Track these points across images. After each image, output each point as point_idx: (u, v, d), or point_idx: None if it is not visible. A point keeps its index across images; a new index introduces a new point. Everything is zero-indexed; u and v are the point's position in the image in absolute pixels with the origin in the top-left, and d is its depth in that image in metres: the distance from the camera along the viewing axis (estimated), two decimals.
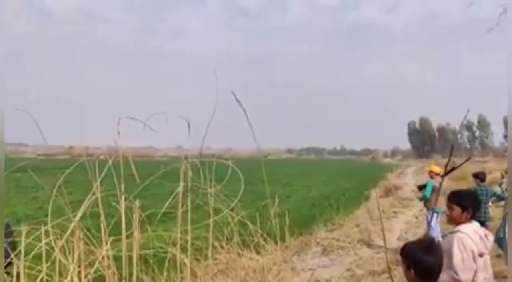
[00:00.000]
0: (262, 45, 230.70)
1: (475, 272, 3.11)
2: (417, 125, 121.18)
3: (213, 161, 4.08)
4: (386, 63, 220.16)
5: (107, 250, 3.50)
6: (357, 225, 11.96)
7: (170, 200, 3.89)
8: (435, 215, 9.11)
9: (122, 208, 3.53)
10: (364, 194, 20.43)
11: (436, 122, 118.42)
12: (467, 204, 3.19)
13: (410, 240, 3.22)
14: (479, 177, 8.24)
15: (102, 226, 3.58)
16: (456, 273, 3.00)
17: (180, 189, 3.81)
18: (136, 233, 3.64)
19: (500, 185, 7.06)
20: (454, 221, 3.26)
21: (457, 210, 3.21)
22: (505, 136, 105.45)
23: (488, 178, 10.45)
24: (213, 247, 5.54)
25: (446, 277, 3.00)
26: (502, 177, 7.17)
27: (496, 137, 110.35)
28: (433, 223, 9.08)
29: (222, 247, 5.41)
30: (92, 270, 3.49)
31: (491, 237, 3.29)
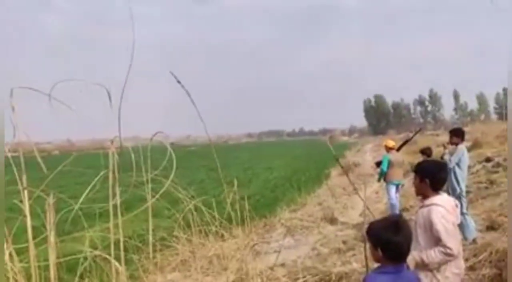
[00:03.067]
0: (219, 31, 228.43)
1: None
2: (373, 103, 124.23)
3: (148, 145, 3.69)
4: (342, 43, 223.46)
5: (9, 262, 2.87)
6: (320, 204, 12.04)
7: (86, 192, 3.30)
8: (393, 187, 9.33)
9: (26, 207, 2.84)
10: (324, 173, 20.68)
11: (390, 98, 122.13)
12: (423, 175, 3.19)
13: (375, 218, 3.13)
14: (426, 152, 8.74)
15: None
16: (448, 248, 2.93)
17: (115, 176, 3.30)
18: (52, 238, 2.98)
19: (441, 157, 7.16)
20: (417, 191, 3.30)
21: (416, 180, 3.24)
22: (455, 109, 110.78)
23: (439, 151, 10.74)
24: (175, 237, 5.30)
25: (437, 255, 2.93)
26: (444, 147, 7.30)
27: (447, 110, 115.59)
28: (392, 195, 9.30)
29: (184, 236, 5.20)
30: None
31: (459, 207, 3.31)
